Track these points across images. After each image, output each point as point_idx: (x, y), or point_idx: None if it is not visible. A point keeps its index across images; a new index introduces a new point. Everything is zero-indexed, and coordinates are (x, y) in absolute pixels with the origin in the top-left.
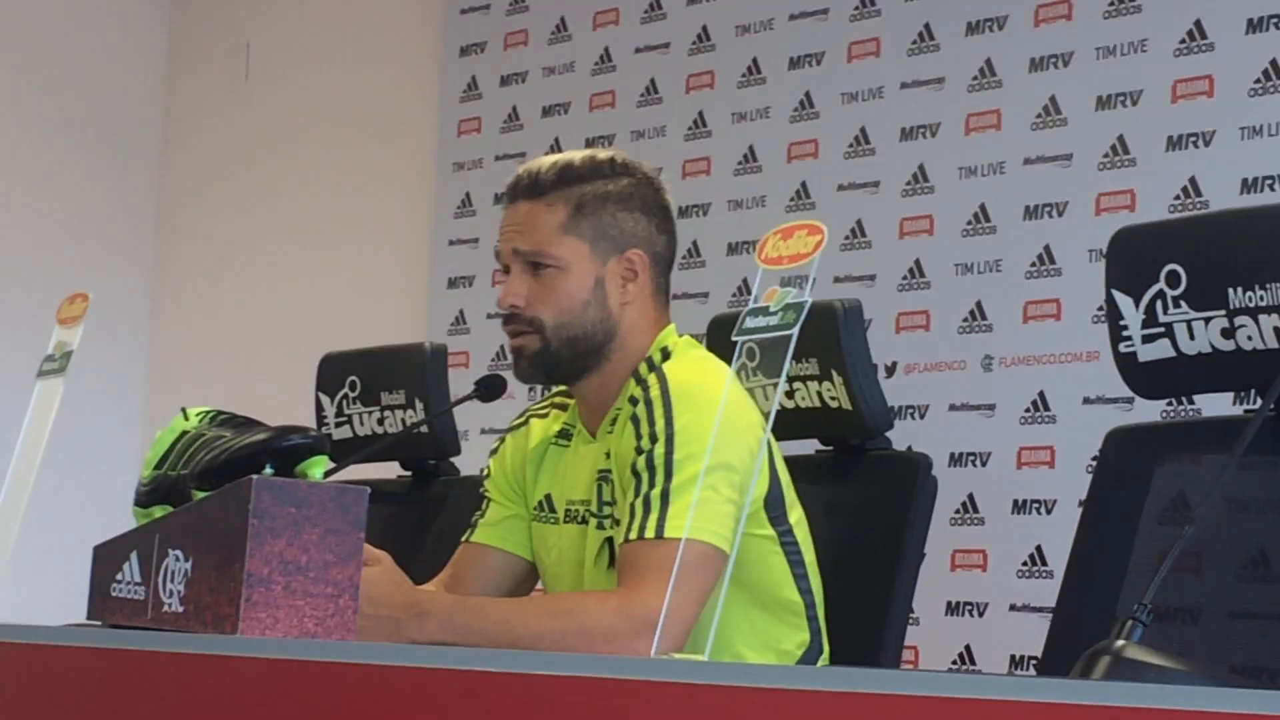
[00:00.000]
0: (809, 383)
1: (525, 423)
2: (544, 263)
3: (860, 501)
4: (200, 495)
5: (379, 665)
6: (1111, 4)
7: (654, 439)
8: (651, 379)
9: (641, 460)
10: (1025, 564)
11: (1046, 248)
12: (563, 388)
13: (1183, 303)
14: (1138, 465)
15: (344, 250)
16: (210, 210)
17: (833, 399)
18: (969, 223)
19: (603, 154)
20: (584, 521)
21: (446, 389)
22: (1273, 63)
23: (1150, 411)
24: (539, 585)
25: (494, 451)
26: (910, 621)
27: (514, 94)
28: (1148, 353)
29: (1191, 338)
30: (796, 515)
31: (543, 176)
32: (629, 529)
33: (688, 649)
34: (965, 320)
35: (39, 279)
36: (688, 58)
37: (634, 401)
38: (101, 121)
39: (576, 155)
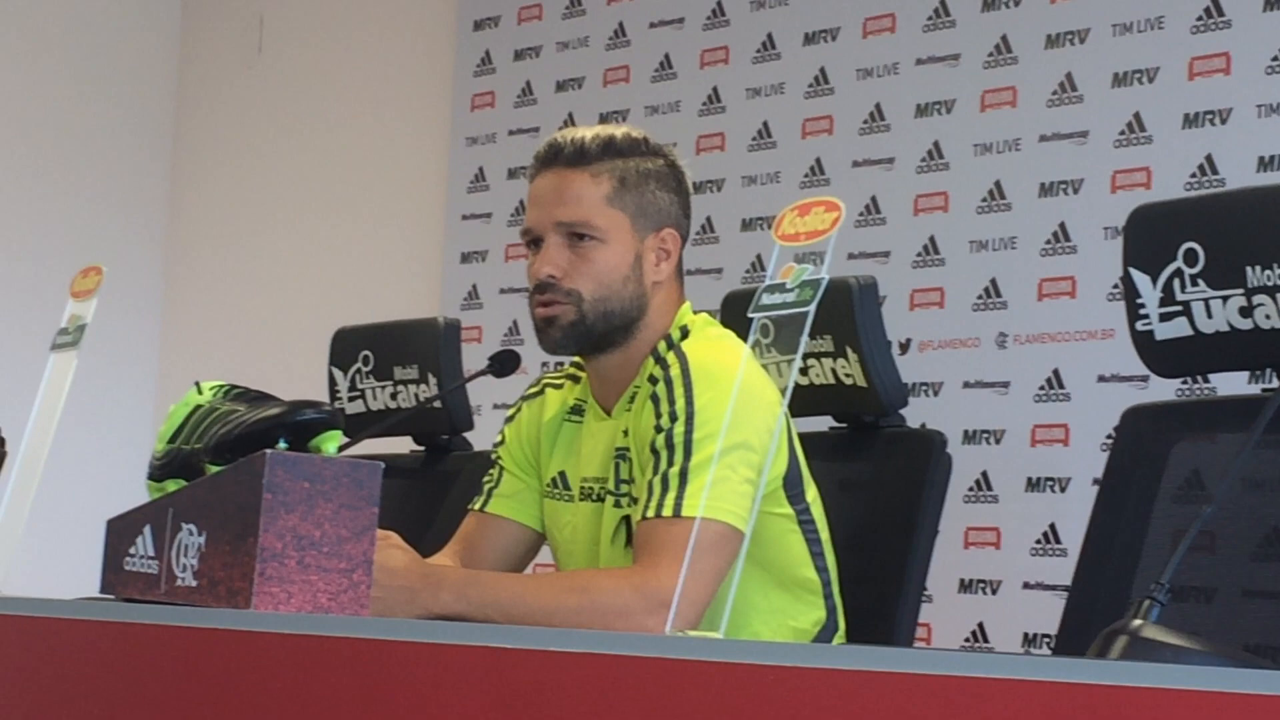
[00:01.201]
0: (823, 360)
1: (541, 391)
2: (586, 233)
3: (874, 479)
4: (214, 469)
5: (392, 640)
6: None
7: (674, 418)
8: (671, 358)
9: (661, 439)
10: (1039, 542)
11: (1062, 225)
12: (576, 359)
13: (1200, 281)
14: (1154, 444)
15: (357, 225)
16: (223, 184)
17: (847, 376)
18: (984, 200)
19: (636, 132)
20: (600, 499)
21: (459, 364)
22: None
23: (1164, 390)
24: (538, 560)
25: (510, 418)
26: (923, 599)
27: (527, 69)
28: (1165, 331)
29: (1209, 316)
30: (813, 493)
31: (588, 146)
32: (646, 506)
33: (704, 628)
34: (980, 298)
35: (53, 253)
36: (702, 33)
37: (654, 380)
38: (115, 95)
39: (616, 130)
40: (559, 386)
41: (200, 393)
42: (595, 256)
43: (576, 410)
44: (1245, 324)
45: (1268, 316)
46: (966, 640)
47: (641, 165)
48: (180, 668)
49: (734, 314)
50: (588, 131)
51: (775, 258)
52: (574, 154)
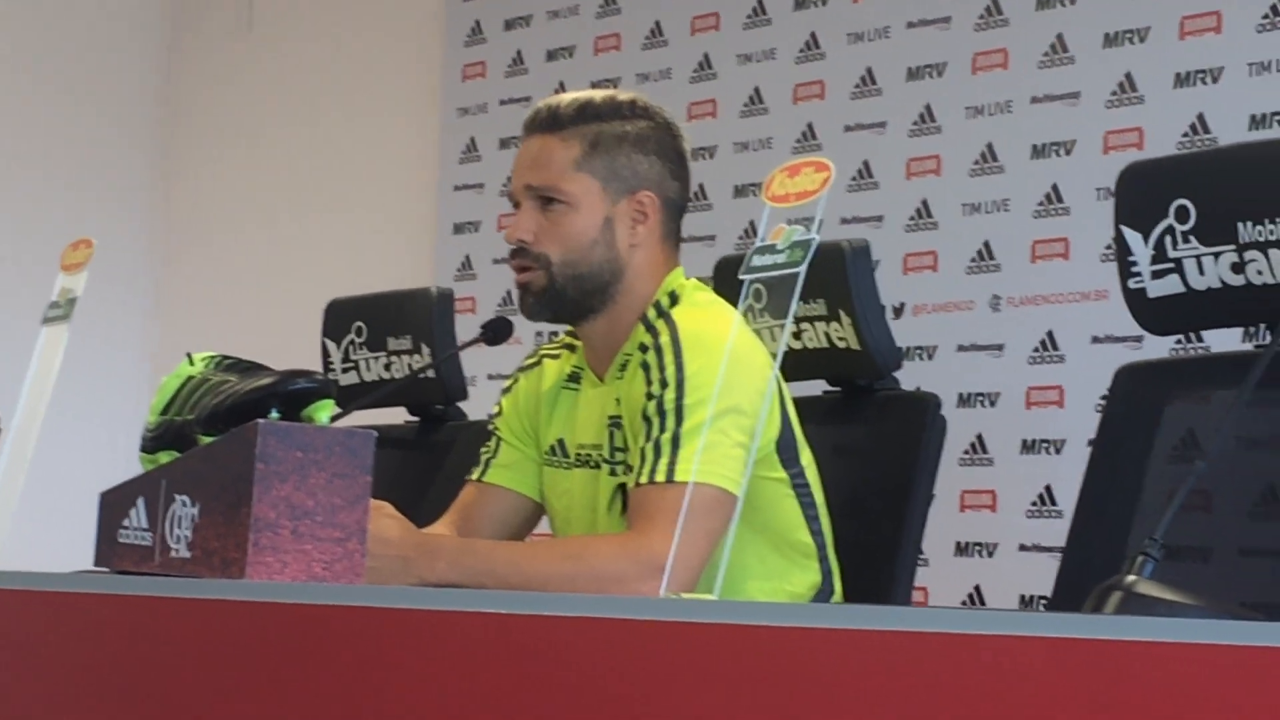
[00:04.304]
0: (817, 323)
1: (538, 362)
2: (555, 198)
3: (869, 442)
4: (206, 440)
5: (387, 608)
6: None
7: (664, 384)
8: (661, 325)
9: (652, 406)
10: (1034, 504)
11: (1054, 187)
12: (571, 328)
13: (1192, 238)
14: (1148, 402)
15: (350, 196)
16: (215, 157)
17: (840, 340)
18: (976, 162)
19: (624, 95)
20: (596, 466)
21: (453, 334)
22: None
23: (1159, 350)
24: (538, 529)
25: (507, 389)
26: (920, 562)
27: (518, 38)
28: (1157, 288)
29: (1201, 273)
30: (807, 457)
31: (562, 111)
32: (639, 473)
33: (699, 592)
34: (973, 260)
35: (45, 230)
36: None
37: (644, 349)
38: (105, 70)
39: (598, 94)
40: (556, 356)
41: (192, 364)
42: (563, 221)
43: (573, 378)
44: (1237, 280)
45: (1259, 272)
46: (963, 603)
47: (619, 128)
48: (175, 639)
49: (726, 280)
50: (567, 97)
51: (766, 219)
52: (548, 119)
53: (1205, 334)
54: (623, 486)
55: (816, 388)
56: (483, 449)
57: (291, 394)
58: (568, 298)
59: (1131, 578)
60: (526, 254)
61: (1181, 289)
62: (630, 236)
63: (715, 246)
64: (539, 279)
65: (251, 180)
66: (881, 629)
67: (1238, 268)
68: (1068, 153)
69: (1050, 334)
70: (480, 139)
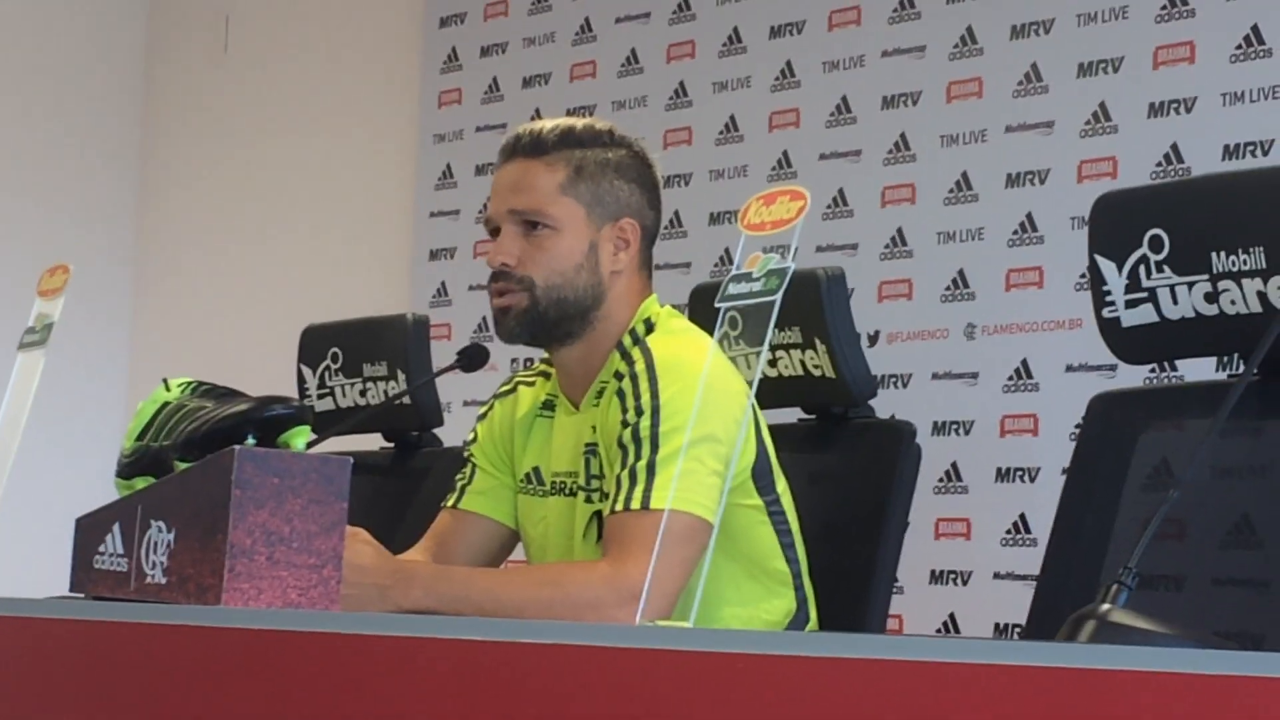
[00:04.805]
0: (792, 351)
1: (514, 389)
2: (540, 222)
3: (844, 470)
4: (182, 466)
5: (363, 635)
6: None
7: (640, 412)
8: (636, 353)
9: (628, 433)
10: (1009, 532)
11: (1029, 215)
12: (545, 356)
13: (1166, 267)
14: (1122, 431)
15: (326, 223)
16: (191, 182)
17: (816, 367)
18: (951, 191)
19: (601, 124)
20: (571, 494)
21: (429, 360)
22: (1254, 29)
23: (1133, 379)
24: (514, 556)
25: (482, 416)
26: (894, 590)
27: (494, 65)
28: (1131, 318)
29: (1175, 302)
30: (782, 484)
31: (545, 136)
32: (615, 500)
33: (676, 619)
34: (948, 289)
35: (20, 254)
36: (668, 27)
37: (619, 376)
38: (81, 94)
39: (577, 121)
40: (531, 384)
41: (168, 389)
42: (548, 244)
43: (548, 405)
44: (1211, 310)
45: (1233, 302)
46: (938, 631)
47: (601, 155)
48: (151, 665)
49: (702, 307)
50: (548, 122)
51: (742, 247)
52: (531, 144)
53: (1179, 363)
54: (598, 514)
55: (792, 415)
56: (458, 476)
57: (268, 420)
58: (548, 321)
59: (1106, 606)
60: (509, 278)
61: (1155, 318)
62: (612, 263)
63: (690, 274)
64: (521, 300)
65: (227, 205)
66: (856, 657)
67: (1211, 297)
68: (1042, 182)
69: (1025, 362)
70: (456, 165)
